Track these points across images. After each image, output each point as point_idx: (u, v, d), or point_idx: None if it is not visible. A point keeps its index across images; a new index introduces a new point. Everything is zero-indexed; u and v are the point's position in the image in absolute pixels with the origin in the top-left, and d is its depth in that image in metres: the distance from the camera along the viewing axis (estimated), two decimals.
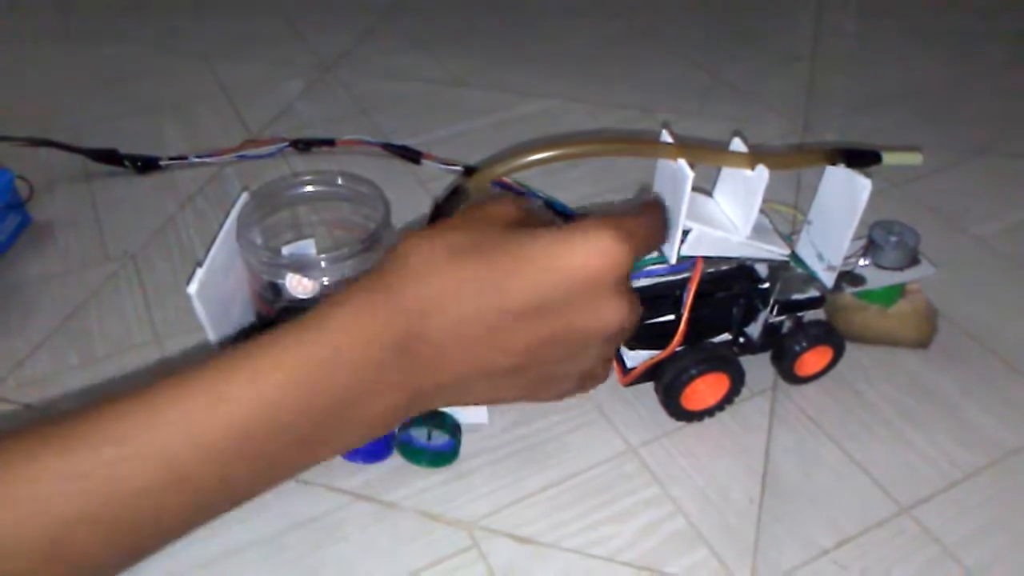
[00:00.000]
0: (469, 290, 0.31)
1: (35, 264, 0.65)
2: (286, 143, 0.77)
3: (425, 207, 0.70)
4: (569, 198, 0.69)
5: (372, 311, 0.31)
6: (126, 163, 0.75)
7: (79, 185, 0.73)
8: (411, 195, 0.71)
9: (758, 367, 0.53)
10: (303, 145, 0.77)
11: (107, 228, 0.69)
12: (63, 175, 0.74)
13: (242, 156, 0.77)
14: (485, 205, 0.35)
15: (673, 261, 0.45)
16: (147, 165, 0.75)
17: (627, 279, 0.33)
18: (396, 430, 0.48)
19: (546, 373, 0.35)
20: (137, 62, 0.95)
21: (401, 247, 0.33)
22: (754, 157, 0.43)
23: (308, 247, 0.53)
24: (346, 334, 0.30)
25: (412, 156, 0.76)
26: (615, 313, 0.33)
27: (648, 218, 0.36)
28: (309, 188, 0.51)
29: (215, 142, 0.78)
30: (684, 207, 0.42)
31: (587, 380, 0.38)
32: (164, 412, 0.28)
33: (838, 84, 0.89)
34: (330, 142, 0.77)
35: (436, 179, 0.74)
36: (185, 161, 0.76)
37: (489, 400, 0.37)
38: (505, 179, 0.70)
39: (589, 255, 0.31)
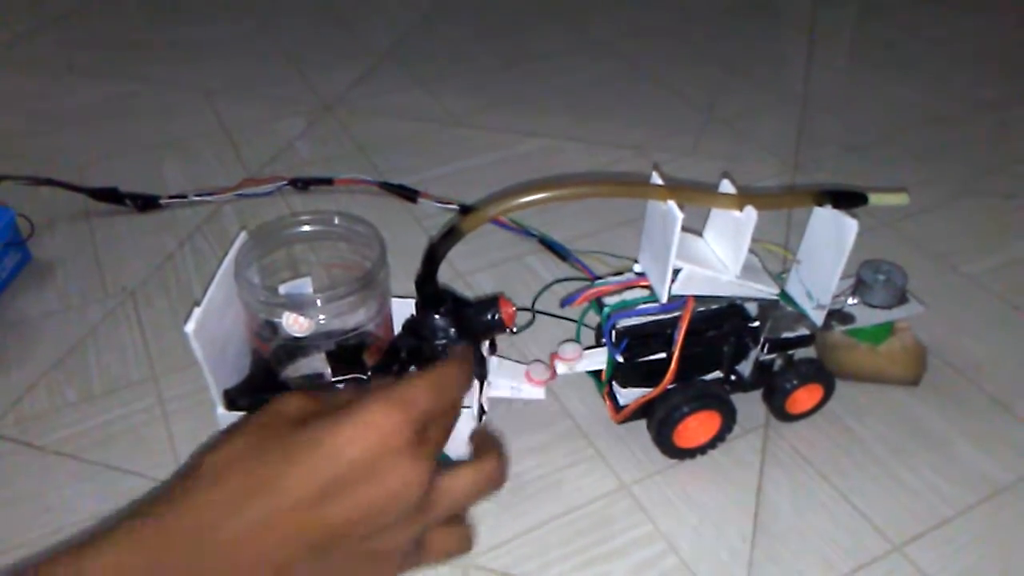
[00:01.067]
0: (245, 495, 0.31)
1: (34, 301, 0.66)
2: (284, 182, 0.78)
3: (422, 245, 0.71)
4: (565, 235, 0.70)
5: (134, 544, 0.30)
6: (127, 201, 0.76)
7: (80, 223, 0.74)
8: (408, 233, 0.72)
9: (749, 405, 0.54)
10: (301, 184, 0.78)
11: (106, 265, 0.69)
12: (64, 213, 0.75)
13: (241, 195, 0.78)
14: (273, 403, 0.34)
15: (664, 300, 0.46)
16: (147, 203, 0.76)
17: (407, 442, 0.32)
18: None
19: (356, 555, 0.33)
20: (138, 100, 0.96)
21: (187, 467, 0.32)
22: (742, 198, 0.44)
23: (305, 286, 0.53)
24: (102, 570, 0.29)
25: (409, 195, 0.77)
26: (400, 479, 0.32)
27: (429, 377, 0.35)
28: (306, 227, 0.51)
29: (214, 180, 0.79)
30: (674, 247, 0.43)
31: (423, 550, 0.36)
32: None
33: (829, 122, 0.90)
34: (328, 181, 0.79)
35: (433, 217, 0.75)
36: (185, 199, 0.77)
37: None
38: (502, 218, 0.72)
39: (357, 432, 0.31)
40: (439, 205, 0.76)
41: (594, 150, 0.85)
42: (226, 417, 0.49)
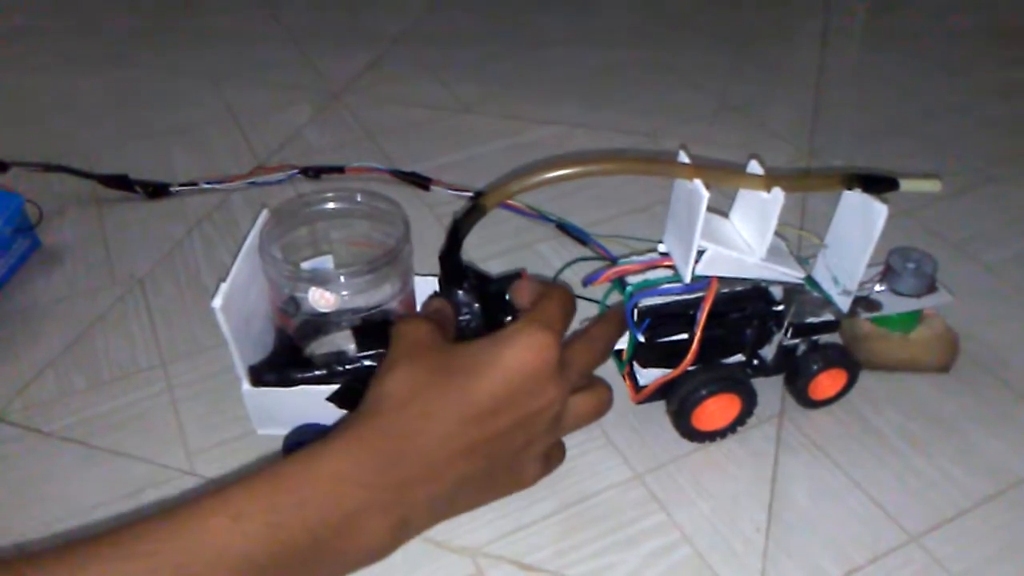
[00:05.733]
0: (440, 409, 0.36)
1: (43, 288, 0.65)
2: (296, 170, 0.78)
3: (434, 232, 0.70)
4: (580, 222, 0.69)
5: (349, 451, 0.35)
6: (137, 189, 0.75)
7: (89, 210, 0.74)
8: (421, 221, 0.71)
9: (765, 393, 0.53)
10: (313, 172, 0.78)
11: (115, 252, 0.69)
12: (74, 200, 0.75)
13: (252, 183, 0.77)
14: (406, 332, 0.39)
15: (687, 280, 0.45)
16: (157, 191, 0.76)
17: (559, 360, 0.38)
18: None
19: (514, 462, 0.39)
20: (147, 88, 0.96)
21: (377, 387, 0.37)
22: (770, 179, 0.44)
23: (326, 263, 0.53)
24: (319, 478, 0.34)
25: (421, 182, 0.76)
26: (555, 394, 0.38)
27: (557, 301, 0.41)
28: (330, 205, 0.51)
29: (223, 168, 0.79)
30: (699, 227, 0.42)
31: (550, 460, 0.43)
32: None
33: (843, 111, 0.89)
34: (340, 169, 0.78)
35: (445, 204, 0.74)
36: (195, 187, 0.77)
37: (475, 504, 0.40)
38: (517, 204, 0.71)
39: (526, 352, 0.37)
40: (452, 192, 0.75)
41: (605, 137, 0.84)
42: (251, 393, 0.49)
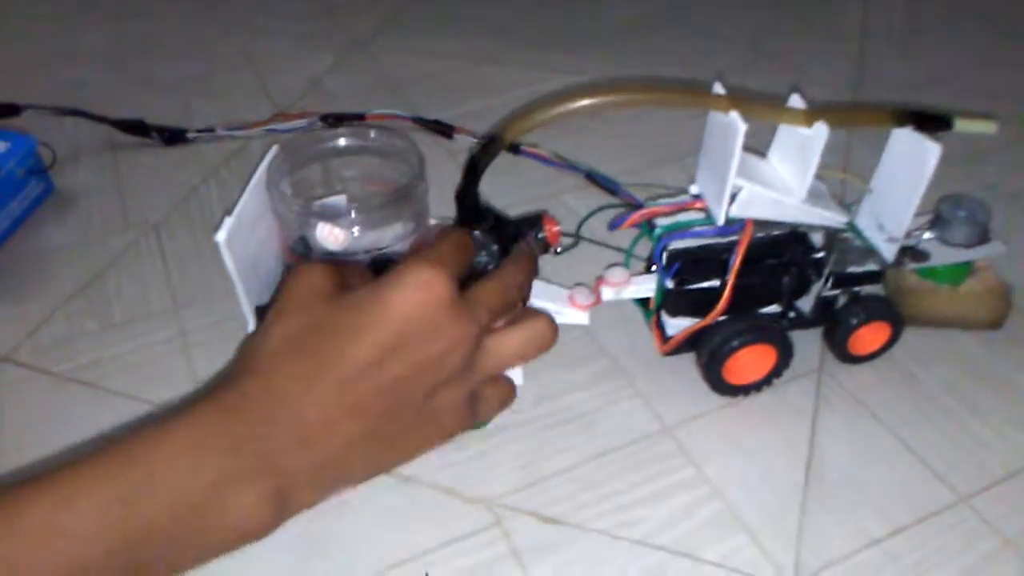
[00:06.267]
0: (315, 370, 0.32)
1: (55, 232, 0.64)
2: (315, 117, 0.75)
3: (456, 181, 0.67)
4: (609, 172, 0.66)
5: (209, 417, 0.31)
6: (153, 134, 0.73)
7: (104, 155, 0.72)
8: (442, 169, 0.69)
9: (803, 346, 0.50)
10: (333, 120, 0.75)
11: (130, 198, 0.67)
12: (88, 145, 0.73)
13: (271, 130, 0.75)
14: (297, 280, 0.35)
15: (721, 222, 0.42)
16: (174, 137, 0.74)
17: (454, 297, 0.33)
18: None
19: (420, 414, 0.34)
20: (165, 37, 0.94)
21: (248, 346, 0.33)
22: (813, 113, 0.40)
23: (338, 203, 0.51)
24: (172, 448, 0.30)
25: (444, 130, 0.73)
26: (455, 333, 0.33)
27: (448, 240, 0.37)
28: (342, 141, 0.49)
29: (242, 116, 0.77)
30: (735, 163, 0.39)
31: (479, 405, 0.37)
32: None
33: (888, 62, 0.85)
34: (360, 116, 0.75)
35: (467, 152, 0.71)
36: (212, 134, 0.74)
37: (383, 466, 0.35)
38: (543, 153, 0.68)
39: (409, 290, 0.32)
40: (475, 140, 0.72)
41: None
42: None
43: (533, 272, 0.41)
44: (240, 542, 0.31)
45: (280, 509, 0.31)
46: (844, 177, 0.55)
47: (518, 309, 0.38)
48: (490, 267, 0.45)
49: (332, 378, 0.31)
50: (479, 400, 0.37)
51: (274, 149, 0.48)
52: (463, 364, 0.34)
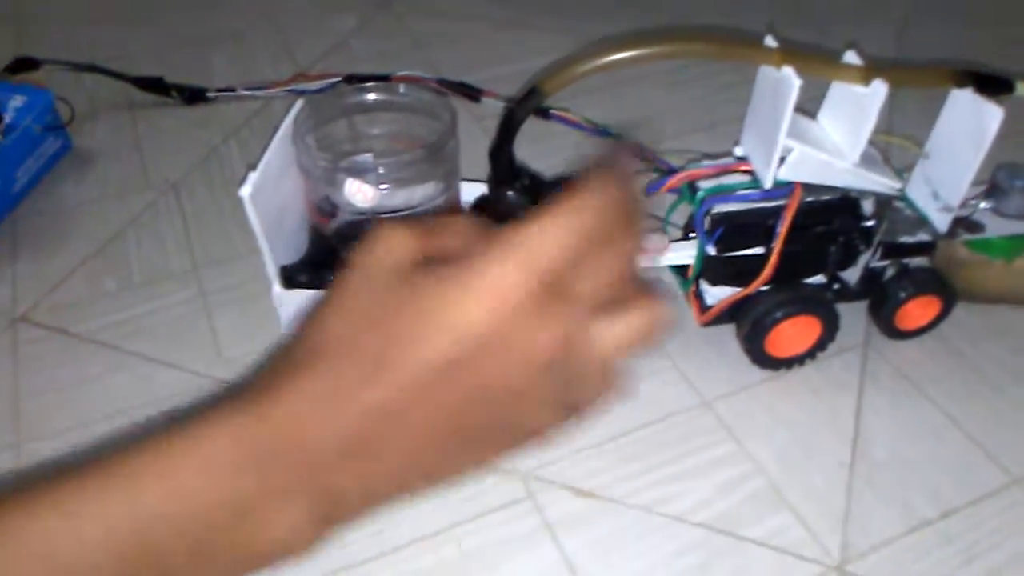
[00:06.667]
0: (367, 373, 0.27)
1: (73, 190, 0.62)
2: (339, 78, 0.73)
3: (483, 146, 0.65)
4: (642, 138, 0.64)
5: (244, 424, 0.27)
6: (173, 93, 0.71)
7: (123, 113, 0.70)
8: (469, 133, 0.66)
9: (848, 319, 0.48)
10: (356, 81, 0.73)
11: (149, 157, 0.66)
12: (107, 103, 0.71)
13: (292, 90, 0.73)
14: (371, 250, 0.29)
15: (768, 186, 0.40)
16: (194, 96, 0.72)
17: (543, 303, 0.27)
18: None
19: (502, 425, 0.29)
20: None
21: (306, 329, 0.28)
22: (871, 71, 0.38)
23: (367, 160, 0.49)
24: (198, 461, 0.26)
25: (471, 93, 0.71)
26: (527, 345, 0.27)
27: (560, 215, 0.28)
28: (370, 96, 0.47)
29: (264, 76, 0.75)
30: (785, 122, 0.37)
31: (579, 405, 0.31)
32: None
33: (932, 29, 0.81)
34: (385, 78, 0.73)
35: (495, 117, 0.69)
36: (233, 93, 0.72)
37: (438, 479, 0.30)
38: (574, 118, 0.66)
39: (474, 300, 0.26)
40: (503, 104, 0.70)
41: None
42: (281, 296, 0.45)
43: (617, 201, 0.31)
44: (283, 557, 0.28)
45: (323, 525, 0.28)
46: (895, 141, 0.52)
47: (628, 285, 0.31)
48: None
49: (390, 382, 0.27)
50: (576, 396, 0.31)
51: (300, 102, 0.46)
52: (539, 373, 0.29)
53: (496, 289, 0.27)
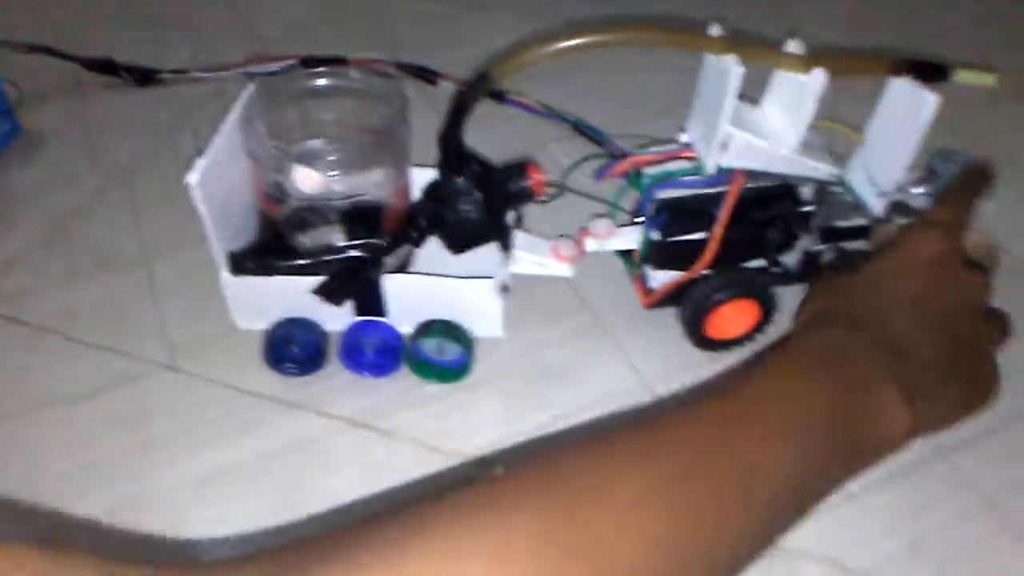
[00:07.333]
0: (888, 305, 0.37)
1: (21, 174, 0.61)
2: (295, 60, 0.72)
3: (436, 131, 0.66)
4: (596, 123, 0.64)
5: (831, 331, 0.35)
6: (123, 74, 0.71)
7: (73, 95, 0.69)
8: (424, 118, 0.66)
9: (786, 302, 0.49)
10: (313, 63, 0.72)
11: (99, 140, 0.65)
12: (57, 84, 0.70)
13: (248, 72, 0.72)
14: (912, 241, 0.38)
15: (711, 172, 0.41)
16: (145, 77, 0.71)
17: (958, 263, 0.38)
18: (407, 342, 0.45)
19: (971, 347, 0.38)
20: None
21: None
22: (811, 59, 0.39)
23: (316, 145, 0.49)
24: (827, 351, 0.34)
25: (428, 77, 0.71)
26: (972, 282, 0.38)
27: (953, 197, 0.41)
28: (321, 81, 0.47)
29: (219, 57, 0.74)
30: (727, 110, 0.38)
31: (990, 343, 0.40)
32: None
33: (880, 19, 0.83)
34: (342, 60, 0.73)
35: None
36: (186, 75, 0.72)
37: (965, 401, 0.38)
38: (529, 103, 0.66)
39: (925, 250, 0.38)
40: (460, 88, 0.70)
41: None
42: (231, 282, 0.46)
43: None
44: (884, 454, 0.33)
45: (913, 412, 0.33)
46: (836, 128, 0.53)
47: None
48: (472, 216, 0.44)
49: (908, 287, 0.37)
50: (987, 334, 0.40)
51: (250, 86, 0.46)
52: (981, 317, 0.38)
53: (931, 247, 0.37)
